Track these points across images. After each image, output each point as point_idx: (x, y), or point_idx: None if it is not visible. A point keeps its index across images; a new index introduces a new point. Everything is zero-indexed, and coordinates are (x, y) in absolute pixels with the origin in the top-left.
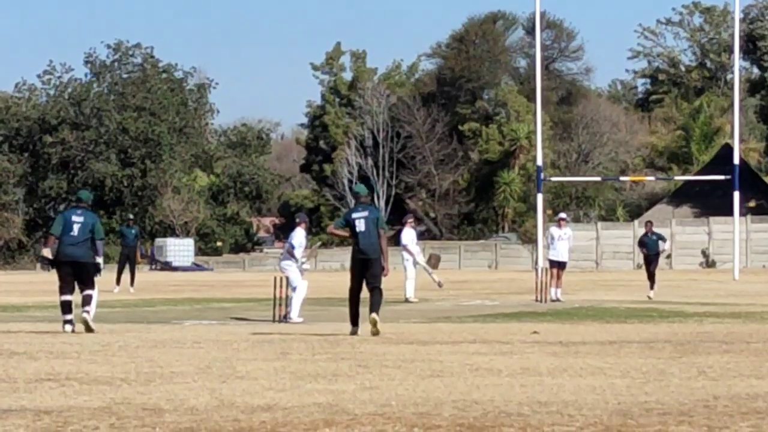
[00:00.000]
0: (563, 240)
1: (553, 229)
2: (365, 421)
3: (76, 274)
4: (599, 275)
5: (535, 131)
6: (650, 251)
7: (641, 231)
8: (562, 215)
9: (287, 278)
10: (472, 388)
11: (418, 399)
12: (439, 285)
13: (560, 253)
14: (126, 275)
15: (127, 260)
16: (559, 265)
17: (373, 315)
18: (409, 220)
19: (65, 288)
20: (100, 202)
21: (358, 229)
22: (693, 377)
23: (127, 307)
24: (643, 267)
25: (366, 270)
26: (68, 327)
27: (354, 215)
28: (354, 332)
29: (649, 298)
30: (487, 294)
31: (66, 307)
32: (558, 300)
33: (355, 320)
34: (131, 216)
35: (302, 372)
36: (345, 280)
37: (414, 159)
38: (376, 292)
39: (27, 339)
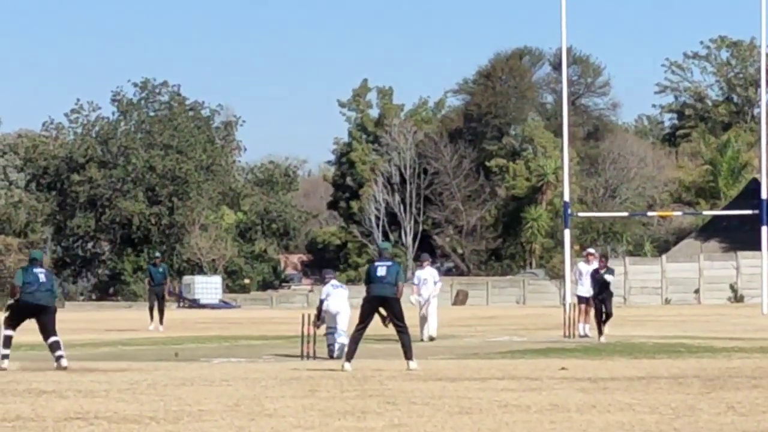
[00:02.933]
0: (588, 275)
1: (581, 265)
2: None
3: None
4: (627, 311)
5: (562, 167)
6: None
7: (670, 266)
8: (590, 250)
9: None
10: (500, 425)
11: None
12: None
13: (588, 289)
14: (155, 313)
15: (156, 298)
16: (587, 301)
17: (410, 363)
18: (427, 260)
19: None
20: (128, 240)
21: (378, 274)
22: (722, 413)
23: (155, 344)
24: (592, 308)
25: (385, 308)
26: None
27: (377, 263)
28: (345, 368)
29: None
30: (515, 330)
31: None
32: (587, 336)
33: (350, 357)
34: (158, 254)
35: (331, 409)
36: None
37: (441, 195)
38: (404, 335)
39: (55, 377)
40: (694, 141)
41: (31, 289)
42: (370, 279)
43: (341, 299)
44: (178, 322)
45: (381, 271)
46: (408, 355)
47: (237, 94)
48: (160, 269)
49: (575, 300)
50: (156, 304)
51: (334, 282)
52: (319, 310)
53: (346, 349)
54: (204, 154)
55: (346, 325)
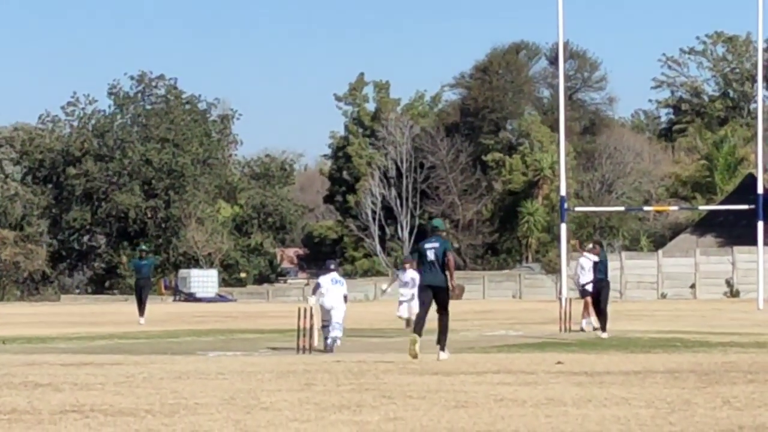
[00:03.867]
0: (589, 270)
1: (583, 259)
2: None
3: None
4: (623, 305)
5: (559, 161)
6: (599, 276)
7: (666, 261)
8: (591, 246)
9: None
10: (496, 419)
11: (442, 430)
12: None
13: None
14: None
15: (141, 291)
16: (587, 294)
17: (441, 354)
18: (409, 260)
19: None
20: (124, 234)
21: (428, 259)
22: (718, 407)
23: (151, 338)
24: (589, 299)
25: (434, 296)
26: None
27: (426, 245)
28: (415, 340)
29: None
30: (511, 324)
31: None
32: (583, 330)
33: (419, 330)
34: (143, 247)
35: (326, 403)
36: (370, 310)
37: (437, 189)
38: (444, 315)
39: (51, 370)
40: (691, 136)
41: None
42: (421, 263)
43: (337, 295)
44: (175, 316)
45: (430, 255)
46: (442, 344)
47: (234, 87)
48: (145, 262)
49: (573, 294)
50: (141, 296)
51: (334, 276)
52: (314, 290)
53: (413, 326)
54: (200, 147)
55: (341, 319)
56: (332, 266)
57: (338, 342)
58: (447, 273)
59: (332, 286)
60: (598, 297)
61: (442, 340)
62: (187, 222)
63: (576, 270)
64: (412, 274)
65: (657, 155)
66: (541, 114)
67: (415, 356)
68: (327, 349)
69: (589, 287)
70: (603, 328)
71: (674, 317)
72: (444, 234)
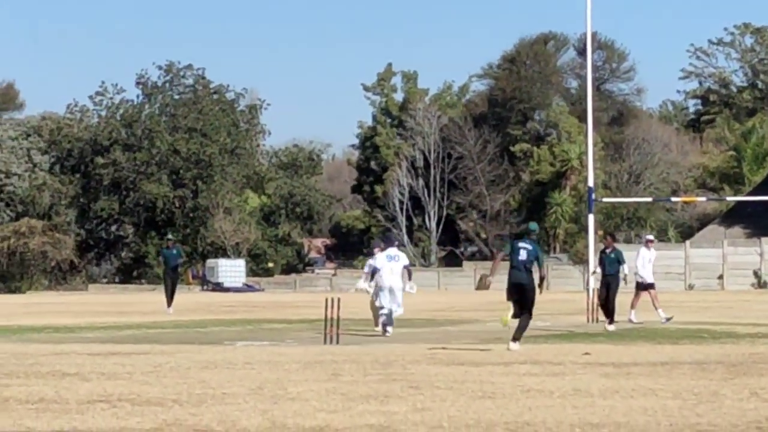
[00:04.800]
0: (649, 262)
1: (643, 251)
2: None
3: None
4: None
5: (587, 152)
6: (607, 271)
7: (693, 252)
8: (650, 237)
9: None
10: (523, 410)
11: (469, 420)
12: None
13: (649, 274)
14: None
15: (170, 281)
16: (646, 287)
17: (512, 344)
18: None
19: None
20: (152, 223)
21: (520, 258)
22: (745, 398)
23: (178, 328)
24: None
25: (521, 295)
26: None
27: (519, 244)
28: (511, 348)
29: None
30: (538, 315)
31: None
32: (632, 321)
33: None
34: (171, 237)
35: (354, 393)
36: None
37: (465, 180)
38: (526, 314)
39: (79, 360)
40: (719, 127)
41: None
42: (511, 261)
43: (395, 274)
44: (202, 305)
45: (522, 255)
46: (517, 335)
47: (262, 77)
48: (174, 251)
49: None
50: (170, 286)
51: (390, 252)
52: (371, 274)
53: (515, 327)
54: (228, 137)
55: (400, 300)
56: (388, 241)
57: (400, 311)
58: (533, 275)
59: (388, 263)
60: (607, 290)
61: (518, 335)
62: (215, 212)
63: (636, 261)
64: (382, 260)
65: (685, 146)
66: (569, 105)
67: (505, 324)
68: (387, 324)
69: (646, 279)
70: (611, 321)
71: (702, 308)
72: (535, 237)
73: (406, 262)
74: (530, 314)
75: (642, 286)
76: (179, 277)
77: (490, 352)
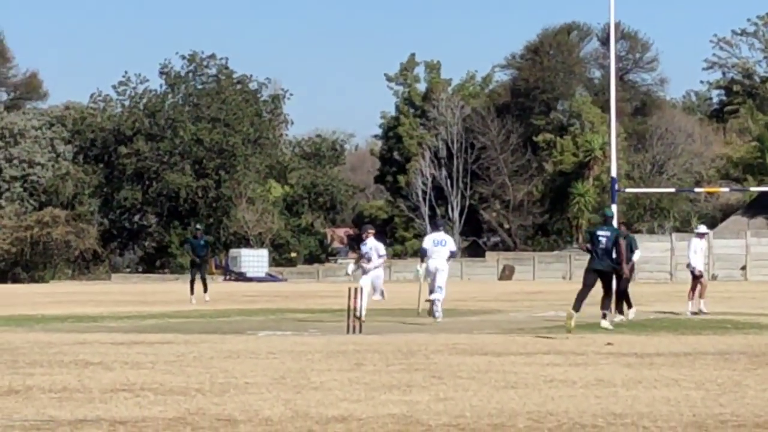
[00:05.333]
0: (698, 253)
1: (695, 241)
2: None
3: None
4: (674, 287)
5: (610, 142)
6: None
7: (717, 242)
8: (703, 229)
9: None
10: (546, 400)
11: (492, 410)
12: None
13: (700, 264)
14: (198, 285)
15: (198, 271)
16: (699, 276)
17: (603, 322)
18: (370, 230)
19: None
20: (175, 213)
21: (600, 246)
22: None
23: (201, 317)
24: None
25: (600, 278)
26: None
27: (599, 232)
28: (571, 315)
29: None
30: (561, 305)
31: None
32: (700, 311)
33: (577, 307)
34: (199, 227)
35: (376, 383)
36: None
37: (488, 170)
38: (608, 294)
39: (102, 349)
40: (742, 117)
41: None
42: (593, 249)
43: (441, 257)
44: (225, 295)
45: (603, 242)
46: (604, 312)
47: (284, 67)
48: (201, 242)
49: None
50: (198, 276)
51: (436, 237)
52: (422, 257)
53: (573, 304)
54: (251, 127)
55: (443, 282)
56: (436, 225)
57: (438, 304)
58: (615, 258)
59: (435, 248)
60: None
61: (605, 310)
62: (238, 202)
63: (688, 252)
64: (372, 243)
65: (708, 136)
66: (592, 95)
67: (569, 331)
68: (435, 309)
69: (696, 268)
70: (620, 311)
71: (725, 299)
72: (613, 221)
73: (453, 248)
74: (610, 294)
75: (695, 275)
76: (206, 267)
77: (513, 342)
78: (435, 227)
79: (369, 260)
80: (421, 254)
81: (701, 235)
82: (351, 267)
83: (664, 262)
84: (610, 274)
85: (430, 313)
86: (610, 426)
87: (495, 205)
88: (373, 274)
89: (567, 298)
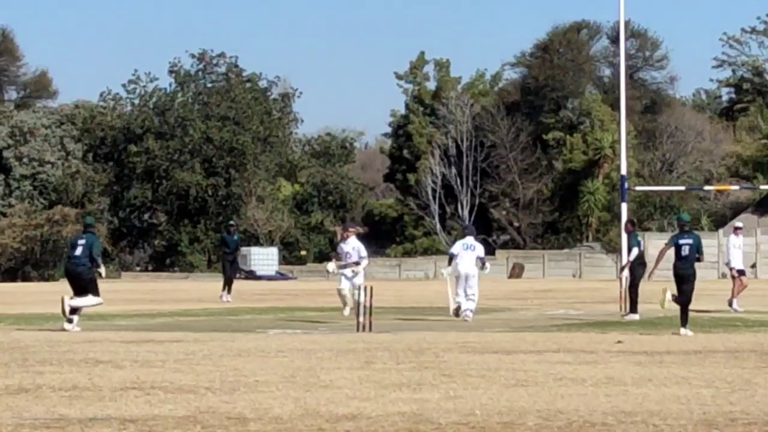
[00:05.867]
0: (738, 248)
1: (732, 238)
2: (449, 431)
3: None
4: None
5: (619, 140)
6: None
7: (726, 240)
8: (739, 224)
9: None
10: (556, 398)
11: (502, 408)
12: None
13: (739, 261)
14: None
15: (230, 266)
16: (739, 273)
17: (682, 330)
18: (351, 229)
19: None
20: (185, 211)
21: (683, 254)
22: None
23: (211, 315)
24: (626, 281)
25: (685, 284)
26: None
27: (681, 241)
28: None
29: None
30: (571, 303)
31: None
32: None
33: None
34: (232, 222)
35: (386, 381)
36: (430, 289)
37: (498, 168)
38: (685, 306)
39: (112, 348)
40: (752, 115)
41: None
42: (677, 256)
43: (470, 262)
44: (235, 293)
45: (685, 250)
46: (683, 321)
47: (294, 66)
48: (235, 237)
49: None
50: (229, 272)
51: (467, 241)
52: (449, 261)
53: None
54: (261, 125)
55: (475, 289)
56: (467, 231)
57: (469, 315)
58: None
59: (464, 252)
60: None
61: (683, 319)
62: (248, 200)
63: (727, 251)
64: (354, 244)
65: (718, 134)
66: (602, 93)
67: (663, 306)
68: (466, 311)
69: (735, 266)
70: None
71: None
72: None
73: (481, 253)
74: (688, 299)
75: (736, 273)
76: (237, 264)
77: (523, 340)
78: (466, 232)
79: (349, 261)
80: (449, 258)
81: (737, 230)
82: (331, 265)
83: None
84: (691, 280)
85: (456, 314)
86: (620, 424)
87: (505, 204)
88: (354, 281)
89: (577, 296)
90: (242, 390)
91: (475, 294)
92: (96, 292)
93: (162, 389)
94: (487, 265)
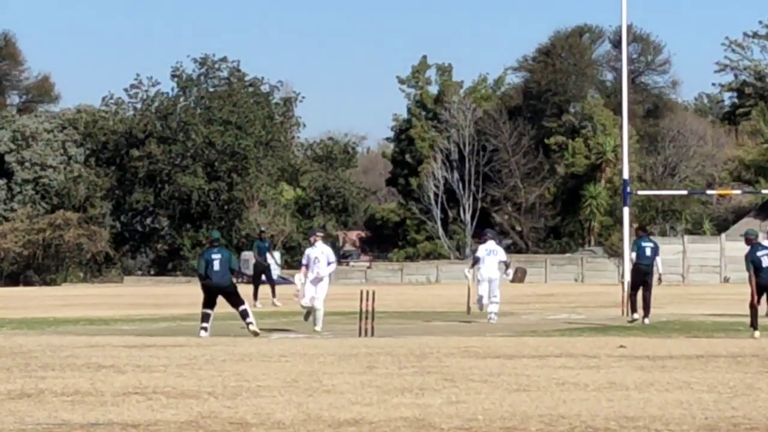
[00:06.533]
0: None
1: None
2: None
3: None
4: (686, 289)
5: (622, 145)
6: (641, 261)
7: (729, 245)
8: None
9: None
10: (558, 403)
11: (504, 413)
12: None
13: None
14: (265, 288)
15: (262, 273)
16: None
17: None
18: (318, 233)
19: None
20: (187, 216)
21: (763, 265)
22: None
23: (214, 320)
24: (628, 286)
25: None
26: (202, 333)
27: (759, 253)
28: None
29: (634, 320)
30: (573, 308)
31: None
32: None
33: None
34: (263, 228)
35: (389, 386)
36: (432, 293)
37: (500, 173)
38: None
39: (114, 352)
40: (754, 119)
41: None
42: (756, 268)
43: (492, 267)
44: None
45: (764, 261)
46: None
47: (296, 70)
48: (266, 243)
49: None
50: (264, 278)
51: (489, 246)
52: (473, 264)
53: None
54: (263, 130)
55: (497, 291)
56: (489, 235)
57: (494, 318)
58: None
59: (487, 257)
60: (644, 283)
61: (754, 322)
62: (250, 204)
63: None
64: (322, 249)
65: (720, 139)
66: (604, 97)
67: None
68: (489, 311)
69: None
70: (646, 314)
71: (737, 301)
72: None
73: (503, 257)
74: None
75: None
76: (270, 270)
77: (525, 344)
78: (487, 238)
79: (317, 266)
80: (473, 261)
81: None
82: (299, 277)
83: (676, 265)
84: None
85: (480, 308)
86: (622, 429)
87: (507, 208)
88: (320, 284)
89: (579, 300)
90: (244, 395)
91: (497, 296)
92: (241, 298)
93: (164, 394)
94: (509, 271)
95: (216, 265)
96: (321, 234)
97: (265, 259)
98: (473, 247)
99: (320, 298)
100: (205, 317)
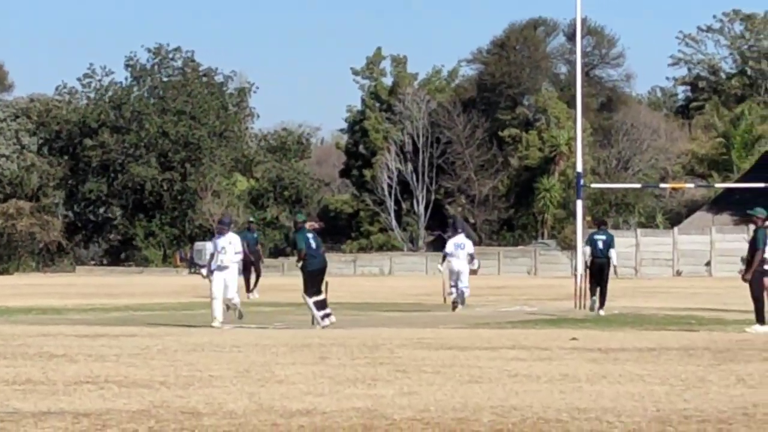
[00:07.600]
0: None
1: None
2: (404, 426)
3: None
4: (638, 282)
5: (575, 137)
6: (595, 255)
7: (681, 238)
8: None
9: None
10: (510, 394)
11: (456, 404)
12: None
13: None
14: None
15: (251, 264)
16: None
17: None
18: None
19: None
20: (140, 206)
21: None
22: (732, 385)
23: (165, 310)
24: (589, 277)
25: None
26: (327, 321)
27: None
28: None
29: (594, 302)
30: (526, 300)
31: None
32: None
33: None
34: (252, 219)
35: (341, 377)
36: (385, 285)
37: (454, 165)
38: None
39: (66, 342)
40: (708, 113)
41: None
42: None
43: (462, 260)
44: (190, 288)
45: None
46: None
47: (251, 60)
48: (255, 234)
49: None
50: (252, 268)
51: (457, 240)
52: (443, 258)
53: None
54: (217, 120)
55: (467, 281)
56: (459, 228)
57: (467, 292)
58: None
59: (456, 251)
60: (599, 275)
61: (759, 318)
62: (203, 194)
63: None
64: (231, 238)
65: (674, 132)
66: (558, 90)
67: None
68: (457, 302)
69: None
70: (601, 305)
71: (689, 295)
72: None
73: (471, 250)
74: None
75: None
76: (260, 261)
77: (478, 336)
78: (455, 230)
79: (223, 255)
80: (443, 256)
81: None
82: (205, 271)
83: (629, 258)
84: None
85: (454, 307)
86: (574, 421)
87: (460, 200)
88: (226, 274)
89: (532, 292)
90: (196, 385)
91: (467, 286)
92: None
93: (116, 383)
94: (476, 261)
95: (313, 244)
96: (228, 224)
97: (256, 251)
98: (426, 239)
99: (232, 289)
100: (321, 304)
